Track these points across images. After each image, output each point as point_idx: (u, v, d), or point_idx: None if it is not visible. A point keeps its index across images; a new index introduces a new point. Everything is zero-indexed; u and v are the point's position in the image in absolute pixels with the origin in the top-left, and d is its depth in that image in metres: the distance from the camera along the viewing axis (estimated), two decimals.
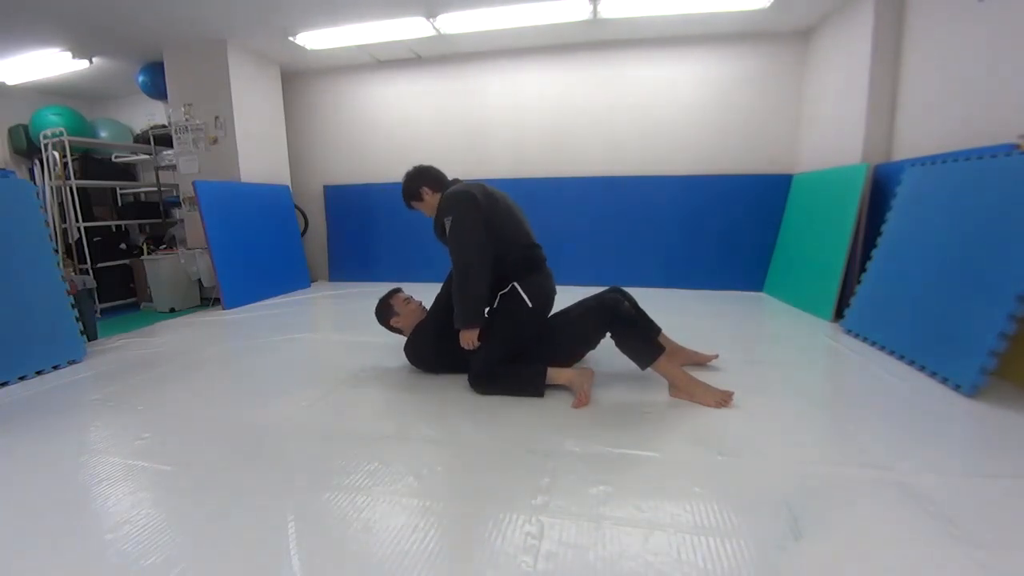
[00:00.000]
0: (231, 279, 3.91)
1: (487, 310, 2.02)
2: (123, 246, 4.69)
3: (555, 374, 1.95)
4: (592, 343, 2.11)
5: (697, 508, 1.24)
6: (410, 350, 2.25)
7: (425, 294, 2.39)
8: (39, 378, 2.36)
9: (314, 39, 3.96)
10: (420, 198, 2.16)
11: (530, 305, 1.98)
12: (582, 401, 1.84)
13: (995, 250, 1.94)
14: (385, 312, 2.33)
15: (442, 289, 2.21)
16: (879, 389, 2.01)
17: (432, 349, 2.21)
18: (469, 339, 1.97)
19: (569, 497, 1.30)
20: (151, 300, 4.20)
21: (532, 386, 1.95)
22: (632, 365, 1.92)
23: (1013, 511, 1.21)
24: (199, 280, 4.12)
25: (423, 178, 2.16)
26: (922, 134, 2.81)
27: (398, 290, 2.37)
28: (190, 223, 4.26)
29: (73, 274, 3.15)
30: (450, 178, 2.22)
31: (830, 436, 1.67)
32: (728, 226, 4.14)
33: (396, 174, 2.48)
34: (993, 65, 2.32)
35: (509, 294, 1.99)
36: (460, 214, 1.94)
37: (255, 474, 1.47)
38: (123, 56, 4.21)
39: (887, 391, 1.98)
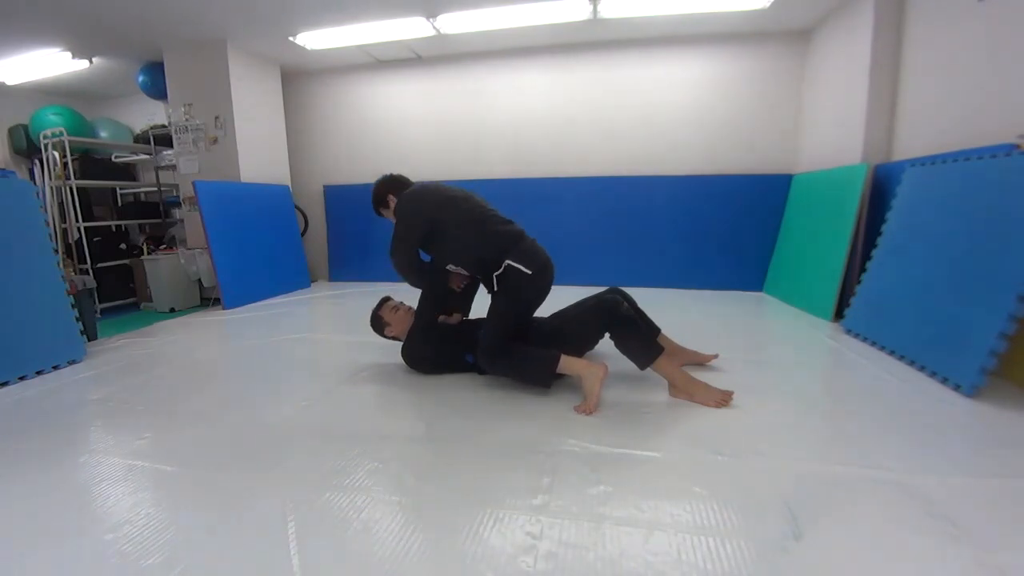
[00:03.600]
0: (231, 279, 3.91)
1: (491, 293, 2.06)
2: (123, 246, 4.69)
3: (566, 363, 1.87)
4: (591, 343, 2.11)
5: (697, 508, 1.24)
6: (405, 354, 2.26)
7: None
8: (39, 378, 2.36)
9: (314, 39, 3.96)
10: (387, 205, 2.20)
11: (529, 272, 1.94)
12: (590, 409, 1.79)
13: (995, 250, 1.94)
14: (377, 324, 2.36)
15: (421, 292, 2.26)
16: (879, 389, 2.01)
17: (421, 350, 2.22)
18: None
19: (569, 497, 1.30)
20: (151, 300, 4.20)
21: (541, 372, 1.91)
22: (632, 365, 1.92)
23: (1013, 511, 1.21)
24: (199, 280, 4.12)
25: (389, 185, 2.20)
26: (922, 134, 2.81)
27: (387, 299, 2.39)
28: (190, 223, 4.27)
29: (73, 274, 3.15)
30: (434, 180, 2.28)
31: (830, 436, 1.66)
32: (728, 226, 4.14)
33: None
34: (993, 65, 2.32)
35: (504, 273, 1.97)
36: (401, 229, 2.08)
37: (255, 474, 1.47)
38: (123, 56, 4.21)
39: (887, 391, 1.98)
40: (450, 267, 2.18)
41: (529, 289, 1.98)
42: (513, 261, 1.95)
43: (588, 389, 1.82)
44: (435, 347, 2.20)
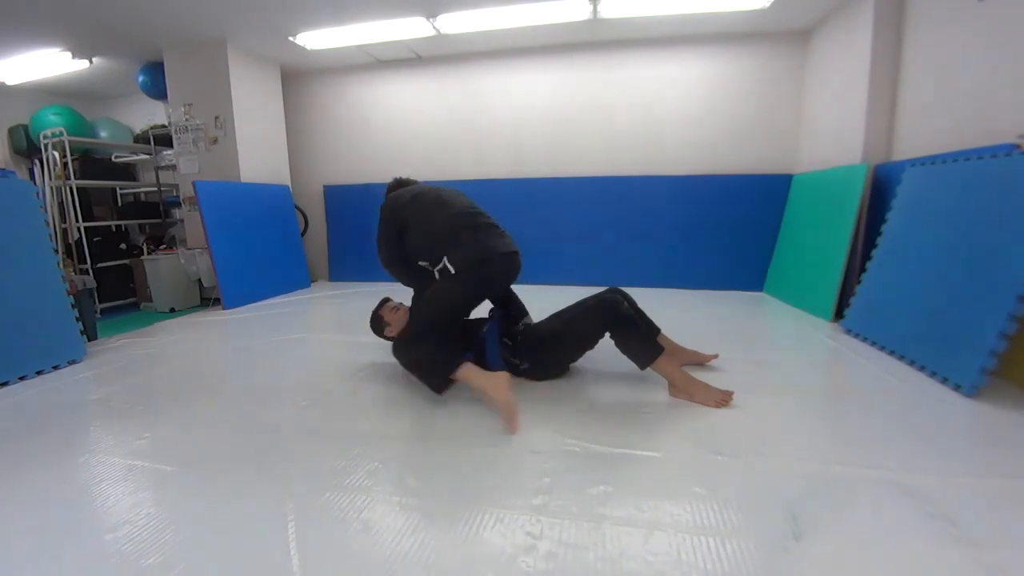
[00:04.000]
0: (231, 279, 3.91)
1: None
2: (123, 246, 4.69)
3: (466, 373, 1.82)
4: (591, 343, 2.11)
5: (697, 508, 1.24)
6: (396, 355, 2.23)
7: None
8: (39, 378, 2.36)
9: (314, 39, 3.96)
10: None
11: (452, 271, 1.94)
12: (510, 423, 1.67)
13: (995, 250, 1.94)
14: (377, 325, 2.36)
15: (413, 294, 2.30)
16: (879, 389, 2.01)
17: (409, 352, 2.19)
18: None
19: (569, 497, 1.30)
20: (151, 300, 4.20)
21: (437, 374, 1.88)
22: (632, 365, 1.92)
23: (1013, 511, 1.21)
24: (199, 280, 4.12)
25: (391, 187, 2.39)
26: (922, 134, 2.80)
27: (387, 300, 2.39)
28: (190, 223, 4.27)
29: (73, 274, 3.15)
30: (430, 180, 2.37)
31: (830, 436, 1.67)
32: (728, 226, 4.14)
33: (396, 174, 2.52)
34: (993, 65, 2.32)
35: (443, 270, 1.99)
36: (380, 227, 2.20)
37: (255, 474, 1.47)
38: (123, 56, 4.21)
39: (887, 391, 1.98)
40: (421, 263, 2.19)
41: (449, 285, 1.97)
42: (448, 260, 1.96)
43: (503, 412, 1.69)
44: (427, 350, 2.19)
